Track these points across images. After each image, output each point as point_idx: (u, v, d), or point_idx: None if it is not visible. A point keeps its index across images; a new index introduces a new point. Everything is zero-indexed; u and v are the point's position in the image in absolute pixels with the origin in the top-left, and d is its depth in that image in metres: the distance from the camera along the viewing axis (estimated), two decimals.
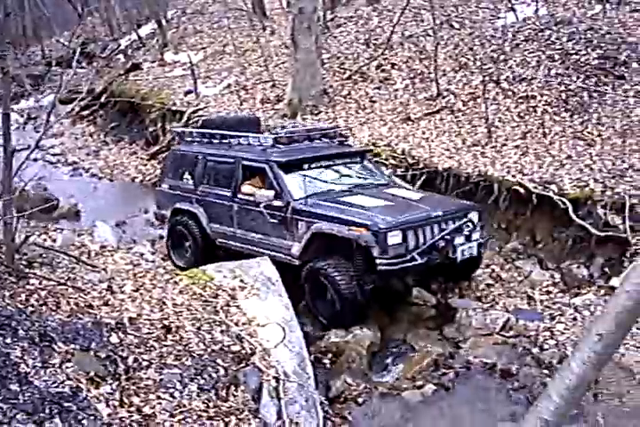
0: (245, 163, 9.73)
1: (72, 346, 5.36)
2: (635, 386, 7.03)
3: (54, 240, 10.13)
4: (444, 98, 13.42)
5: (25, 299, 5.92)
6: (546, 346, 7.95)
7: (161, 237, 11.99)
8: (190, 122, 15.26)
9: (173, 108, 16.20)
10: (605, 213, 9.46)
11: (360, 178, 9.95)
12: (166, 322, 6.24)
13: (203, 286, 7.32)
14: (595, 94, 12.11)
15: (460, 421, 6.81)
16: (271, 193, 9.11)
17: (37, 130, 17.59)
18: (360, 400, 7.18)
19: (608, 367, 7.24)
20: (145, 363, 5.53)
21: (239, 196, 9.71)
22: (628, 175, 9.89)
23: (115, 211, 13.28)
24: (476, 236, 8.78)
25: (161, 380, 5.39)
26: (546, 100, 12.38)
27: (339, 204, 8.87)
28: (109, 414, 4.81)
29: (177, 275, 7.65)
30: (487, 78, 13.00)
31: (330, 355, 7.99)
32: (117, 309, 6.31)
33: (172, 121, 15.99)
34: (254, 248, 9.56)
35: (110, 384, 5.13)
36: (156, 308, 6.54)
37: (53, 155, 17.42)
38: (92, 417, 4.68)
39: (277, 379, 6.20)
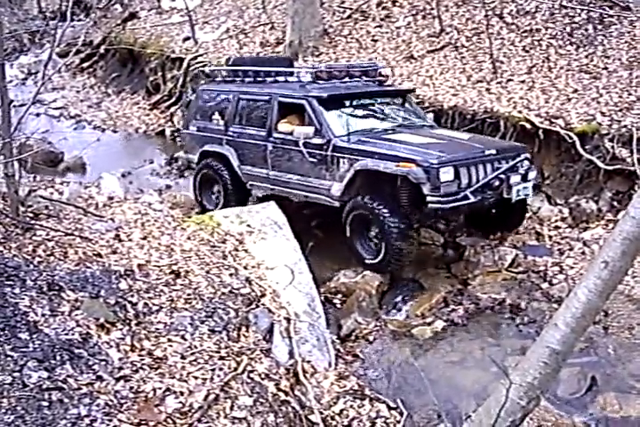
0: (282, 100, 9.33)
1: (81, 294, 5.41)
2: None
3: (61, 193, 10.07)
4: (447, 34, 13.13)
5: (32, 250, 5.95)
6: (555, 281, 7.99)
7: (168, 187, 12.00)
8: (190, 69, 15.09)
9: (172, 55, 15.95)
10: (613, 147, 9.38)
11: (403, 118, 9.59)
12: (175, 267, 6.28)
13: (210, 232, 7.35)
14: (600, 26, 11.83)
15: (470, 356, 6.87)
16: (311, 129, 8.71)
17: (38, 85, 17.41)
18: (371, 338, 7.25)
19: (618, 300, 7.29)
20: (155, 307, 5.58)
21: (274, 135, 9.33)
22: (635, 108, 9.75)
23: (120, 162, 13.19)
24: (532, 175, 8.45)
25: (171, 323, 5.45)
26: (550, 34, 12.10)
27: (384, 140, 8.49)
28: (120, 359, 4.88)
29: (184, 221, 7.66)
30: (490, 12, 12.70)
31: (340, 295, 8.06)
32: (126, 256, 6.34)
33: (171, 69, 15.78)
34: (289, 190, 9.32)
35: (120, 329, 5.19)
36: (165, 254, 6.58)
37: (55, 109, 17.24)
38: (102, 362, 4.75)
39: (288, 319, 6.28)
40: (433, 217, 8.44)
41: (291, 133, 8.92)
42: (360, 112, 9.23)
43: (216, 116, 10.19)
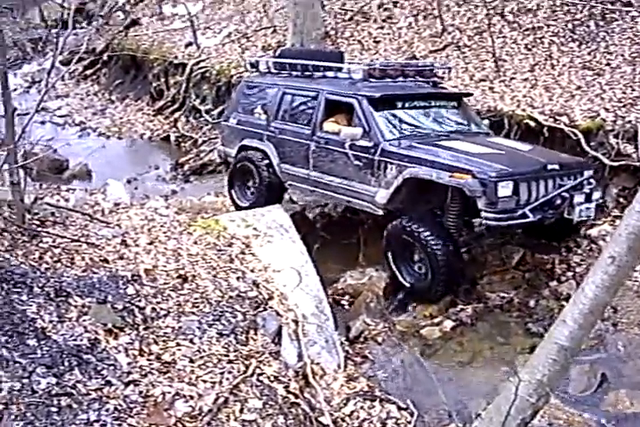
0: (330, 97, 8.80)
1: (88, 299, 5.41)
2: None
3: (67, 200, 10.14)
4: (449, 34, 13.15)
5: (39, 257, 5.96)
6: (563, 278, 7.94)
7: (173, 192, 12.01)
8: (193, 74, 15.13)
9: (175, 61, 16.03)
10: (618, 143, 9.36)
11: (458, 123, 8.97)
12: (182, 272, 6.29)
13: (217, 236, 7.35)
14: (602, 22, 11.81)
15: (479, 355, 6.87)
16: (359, 131, 8.17)
17: (42, 93, 17.48)
18: (380, 339, 7.22)
19: (627, 296, 7.26)
20: (163, 312, 5.59)
21: (319, 134, 8.79)
22: (638, 103, 9.72)
23: (125, 168, 13.26)
24: (596, 195, 7.78)
25: (179, 327, 5.46)
26: (552, 31, 12.10)
27: (438, 147, 7.86)
28: (129, 363, 4.88)
29: (190, 226, 7.66)
30: (492, 11, 12.71)
31: (347, 297, 8.04)
32: (132, 262, 6.35)
33: (174, 75, 15.86)
34: (330, 193, 8.78)
35: (129, 334, 5.19)
36: (172, 259, 6.59)
37: (60, 116, 17.30)
38: (111, 367, 4.75)
39: (296, 321, 6.27)
40: (484, 235, 7.88)
41: (337, 134, 8.47)
42: (412, 115, 8.68)
43: (258, 109, 9.76)
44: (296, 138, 9.09)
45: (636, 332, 6.89)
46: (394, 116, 8.49)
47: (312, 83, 9.17)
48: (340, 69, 9.08)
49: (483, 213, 7.20)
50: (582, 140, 9.53)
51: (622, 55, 10.92)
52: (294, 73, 9.55)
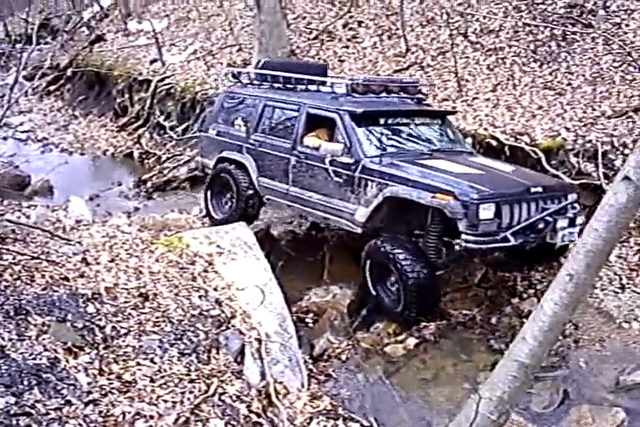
0: (312, 111, 8.62)
1: (48, 318, 5.34)
2: (615, 331, 7.11)
3: (28, 217, 10.00)
4: (412, 54, 13.30)
5: None
6: (525, 295, 7.99)
7: (136, 209, 11.91)
8: (157, 91, 15.07)
9: (140, 77, 15.98)
10: (578, 162, 9.46)
11: (441, 142, 8.78)
12: (143, 290, 6.24)
13: (179, 254, 7.32)
14: (563, 43, 12.03)
15: (442, 372, 6.88)
16: (340, 147, 8.00)
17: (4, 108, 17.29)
18: (343, 357, 7.22)
19: (588, 313, 7.34)
20: (123, 331, 5.52)
21: (299, 148, 8.62)
22: (599, 123, 9.86)
23: (88, 185, 13.12)
24: (580, 220, 7.51)
25: (140, 346, 5.40)
26: (514, 52, 12.30)
27: (420, 166, 7.67)
28: (89, 383, 4.81)
29: (152, 244, 7.61)
30: (455, 32, 12.91)
31: (312, 315, 8.02)
32: (93, 280, 6.29)
33: (139, 91, 15.80)
34: (309, 209, 8.61)
35: (89, 353, 5.12)
36: (133, 277, 6.53)
37: (22, 132, 17.13)
38: (71, 387, 4.68)
39: (259, 340, 6.25)
40: (462, 259, 7.67)
41: (317, 149, 8.32)
42: (395, 132, 8.50)
43: (239, 121, 9.60)
44: (276, 151, 8.95)
45: (597, 348, 6.95)
46: (376, 132, 8.35)
47: (294, 96, 9.03)
48: (323, 83, 8.97)
49: (463, 236, 7.04)
50: (543, 159, 9.62)
51: (583, 75, 11.11)
52: (276, 85, 9.43)
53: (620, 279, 7.77)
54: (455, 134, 9.15)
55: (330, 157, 8.10)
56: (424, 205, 7.30)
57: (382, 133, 8.36)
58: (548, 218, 7.32)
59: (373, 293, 7.81)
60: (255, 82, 9.82)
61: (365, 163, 7.87)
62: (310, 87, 9.05)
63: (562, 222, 7.35)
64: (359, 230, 7.95)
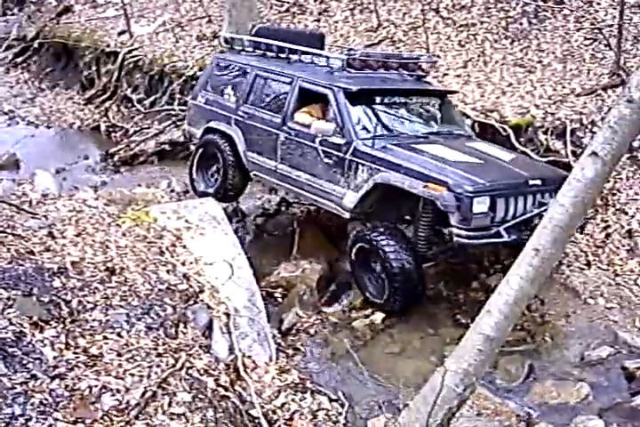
0: (305, 85, 8.15)
1: (13, 292, 5.24)
2: (580, 307, 7.22)
3: None
4: (384, 29, 13.21)
5: None
6: (492, 271, 8.08)
7: (103, 183, 11.78)
8: (125, 63, 14.84)
9: (107, 49, 15.65)
10: (547, 139, 9.53)
11: (440, 124, 8.41)
12: (110, 264, 6.15)
13: (146, 228, 7.22)
14: (534, 20, 12.04)
15: (410, 346, 6.96)
16: (331, 126, 7.56)
17: None
18: (312, 331, 7.30)
19: (554, 289, 7.45)
20: (89, 305, 5.46)
21: (289, 124, 8.18)
22: (568, 100, 9.93)
23: (54, 158, 12.91)
24: None
25: (107, 321, 5.34)
26: (486, 28, 12.29)
27: (414, 152, 7.29)
28: (55, 357, 4.76)
29: (119, 218, 7.52)
30: (427, 7, 12.85)
31: (281, 289, 8.05)
32: (59, 254, 6.18)
33: (106, 63, 15.48)
34: (296, 189, 8.26)
35: (55, 328, 5.06)
36: (99, 251, 6.43)
37: None
38: (37, 361, 4.63)
39: (228, 314, 6.23)
40: (452, 250, 7.41)
41: (308, 126, 7.85)
42: (391, 112, 8.09)
43: (228, 90, 9.10)
44: (265, 126, 8.49)
45: (563, 324, 7.07)
46: (371, 111, 7.94)
47: (287, 67, 8.54)
48: (318, 55, 8.55)
49: (454, 230, 6.72)
50: (512, 136, 9.68)
51: (553, 53, 11.15)
52: (269, 54, 8.99)
53: (586, 256, 7.89)
54: (455, 115, 8.78)
55: (320, 137, 7.68)
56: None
57: (377, 113, 7.97)
58: (544, 214, 6.78)
59: (361, 280, 7.57)
60: (248, 49, 9.37)
61: (357, 145, 7.48)
62: (304, 58, 8.61)
63: None
64: (347, 215, 7.65)
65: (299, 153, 8.07)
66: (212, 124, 9.20)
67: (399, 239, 7.14)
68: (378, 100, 7.98)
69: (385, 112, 8.05)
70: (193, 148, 10.23)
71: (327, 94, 7.90)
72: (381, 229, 7.25)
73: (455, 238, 6.76)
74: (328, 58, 8.37)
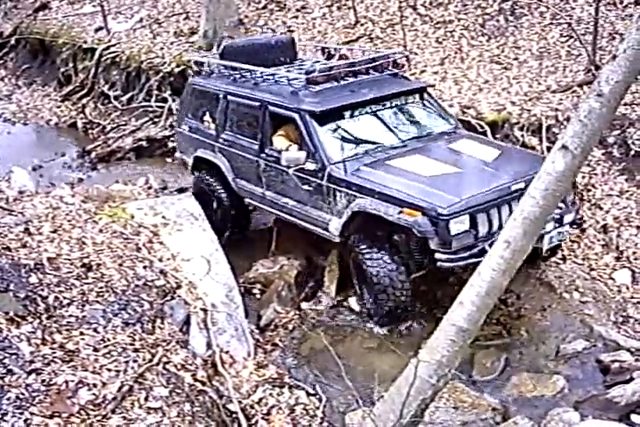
0: (273, 109, 7.76)
1: None
2: (556, 300, 7.29)
3: None
4: (362, 26, 13.23)
5: None
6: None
7: (80, 180, 11.74)
8: (102, 59, 14.76)
9: (84, 46, 15.56)
10: (523, 135, 9.60)
11: (418, 125, 7.96)
12: (86, 260, 6.15)
13: (123, 225, 7.21)
14: (511, 17, 12.12)
15: (387, 341, 6.98)
16: (302, 155, 7.21)
17: None
18: (290, 327, 7.31)
19: (530, 283, 7.51)
20: (66, 301, 5.46)
21: (267, 150, 7.83)
22: (544, 97, 10.01)
23: (31, 155, 12.86)
24: (568, 218, 6.85)
25: (83, 316, 5.35)
26: (463, 25, 12.35)
27: (388, 172, 6.93)
28: (32, 352, 4.77)
29: (96, 214, 7.50)
30: (404, 4, 12.87)
31: (259, 285, 8.07)
32: (35, 250, 6.17)
33: (83, 60, 15.40)
34: (287, 216, 7.94)
35: (31, 323, 5.06)
36: (76, 247, 6.42)
37: None
38: (13, 356, 4.63)
39: (205, 310, 6.25)
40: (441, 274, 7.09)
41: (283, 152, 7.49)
42: (363, 124, 7.61)
43: (207, 117, 8.75)
44: (246, 153, 8.15)
45: (539, 318, 7.14)
46: (342, 129, 7.52)
47: (256, 90, 8.10)
48: (280, 75, 8.04)
49: (436, 255, 6.41)
50: (489, 133, 9.75)
51: (530, 50, 11.22)
52: (237, 76, 8.53)
53: (562, 250, 7.96)
54: (436, 109, 8.26)
55: (294, 166, 7.34)
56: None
57: (348, 129, 7.55)
58: None
59: (358, 289, 7.37)
60: (217, 72, 8.96)
61: (331, 170, 7.14)
62: (269, 78, 8.12)
63: (547, 226, 6.60)
64: (337, 240, 7.34)
65: (280, 180, 7.81)
66: (200, 153, 8.90)
67: (385, 252, 6.85)
68: (347, 114, 7.56)
69: (357, 125, 7.64)
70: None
71: (294, 118, 7.55)
72: (368, 241, 6.98)
73: (438, 264, 6.48)
74: (288, 77, 7.85)
